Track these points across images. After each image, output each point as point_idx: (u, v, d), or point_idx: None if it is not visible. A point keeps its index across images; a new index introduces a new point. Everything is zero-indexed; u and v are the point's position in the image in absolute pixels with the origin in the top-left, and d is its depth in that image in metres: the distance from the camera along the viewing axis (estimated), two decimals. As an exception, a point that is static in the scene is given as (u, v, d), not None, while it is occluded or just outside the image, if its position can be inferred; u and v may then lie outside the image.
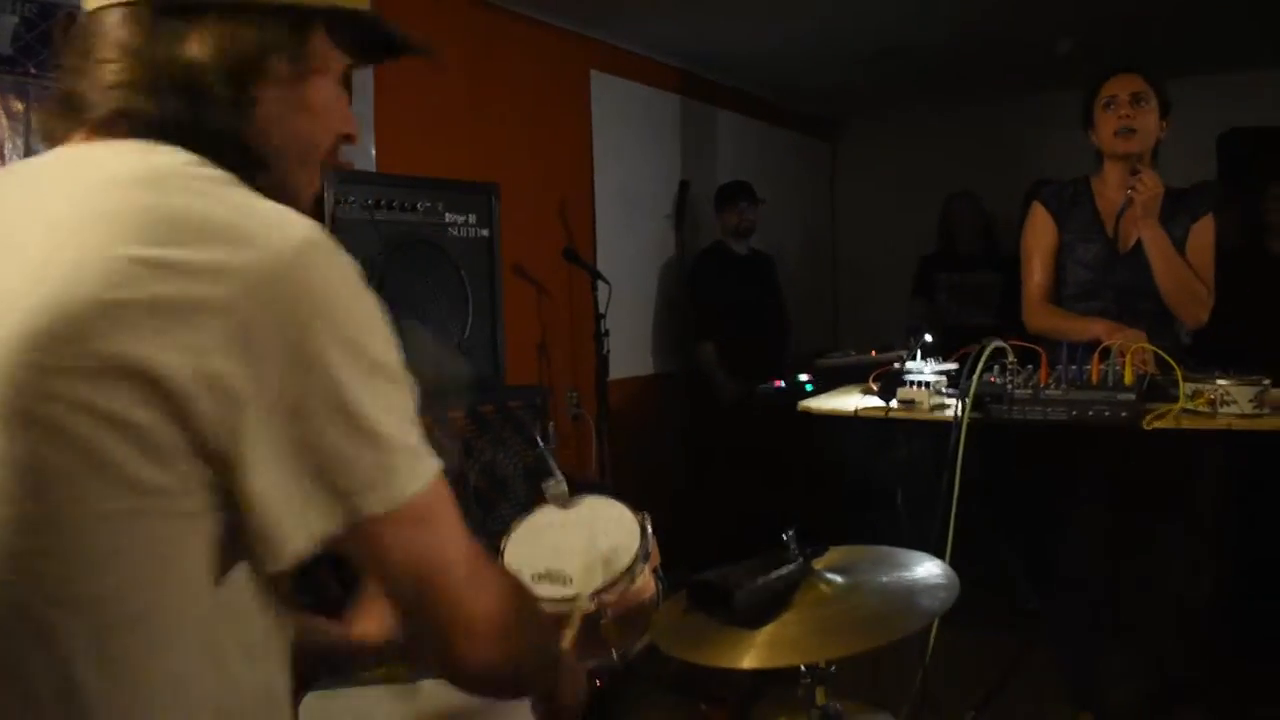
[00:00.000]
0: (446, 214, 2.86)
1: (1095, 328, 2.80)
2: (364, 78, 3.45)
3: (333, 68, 0.99)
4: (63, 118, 0.91)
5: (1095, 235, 2.94)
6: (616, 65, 4.95)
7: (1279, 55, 5.23)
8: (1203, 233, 2.90)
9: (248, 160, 0.89)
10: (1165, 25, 4.80)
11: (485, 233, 2.97)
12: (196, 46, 0.88)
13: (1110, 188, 2.94)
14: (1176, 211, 2.86)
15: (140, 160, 0.84)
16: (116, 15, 0.89)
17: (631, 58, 5.08)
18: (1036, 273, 3.03)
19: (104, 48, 0.88)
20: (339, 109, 1.01)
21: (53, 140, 0.92)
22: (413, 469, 0.87)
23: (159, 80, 0.87)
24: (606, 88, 4.87)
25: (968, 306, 5.33)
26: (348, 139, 1.05)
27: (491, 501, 2.77)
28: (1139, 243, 2.85)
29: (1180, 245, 2.85)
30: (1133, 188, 2.78)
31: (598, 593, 2.05)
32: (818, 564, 1.79)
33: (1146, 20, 4.73)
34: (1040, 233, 3.03)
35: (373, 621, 1.47)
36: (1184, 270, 2.82)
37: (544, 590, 2.08)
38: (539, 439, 2.34)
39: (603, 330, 4.22)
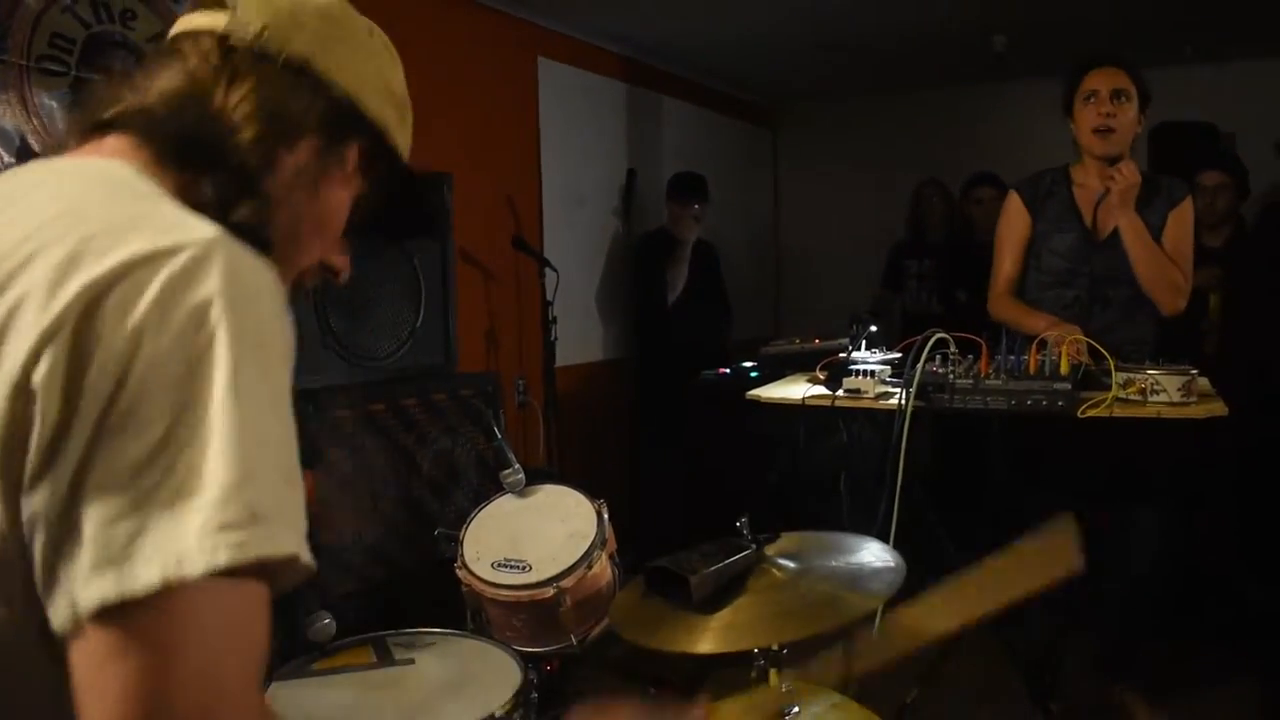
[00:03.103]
0: (400, 204, 2.86)
1: (1039, 323, 2.87)
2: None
3: (351, 189, 1.02)
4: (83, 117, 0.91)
5: (1071, 224, 2.99)
6: (563, 52, 4.96)
7: (1203, 53, 5.40)
8: (1181, 220, 2.95)
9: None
10: (1097, 25, 4.92)
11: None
12: (244, 89, 0.90)
13: (1090, 176, 3.00)
14: (1153, 199, 2.92)
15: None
16: (186, 42, 0.92)
17: (578, 45, 5.08)
18: (1005, 263, 3.09)
19: (160, 67, 0.91)
20: (337, 230, 1.03)
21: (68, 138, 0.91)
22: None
23: (188, 103, 0.88)
24: (553, 75, 4.88)
25: (933, 294, 5.39)
26: (330, 270, 1.06)
27: (446, 490, 2.80)
28: (1116, 231, 2.90)
29: (1157, 233, 2.91)
30: (1110, 177, 2.84)
31: (556, 579, 2.09)
32: (770, 550, 1.84)
33: (1078, 20, 4.86)
34: (1013, 223, 3.09)
35: None
36: (1161, 258, 2.88)
37: (504, 578, 2.12)
38: (496, 430, 2.36)
39: (550, 317, 4.24)
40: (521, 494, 2.35)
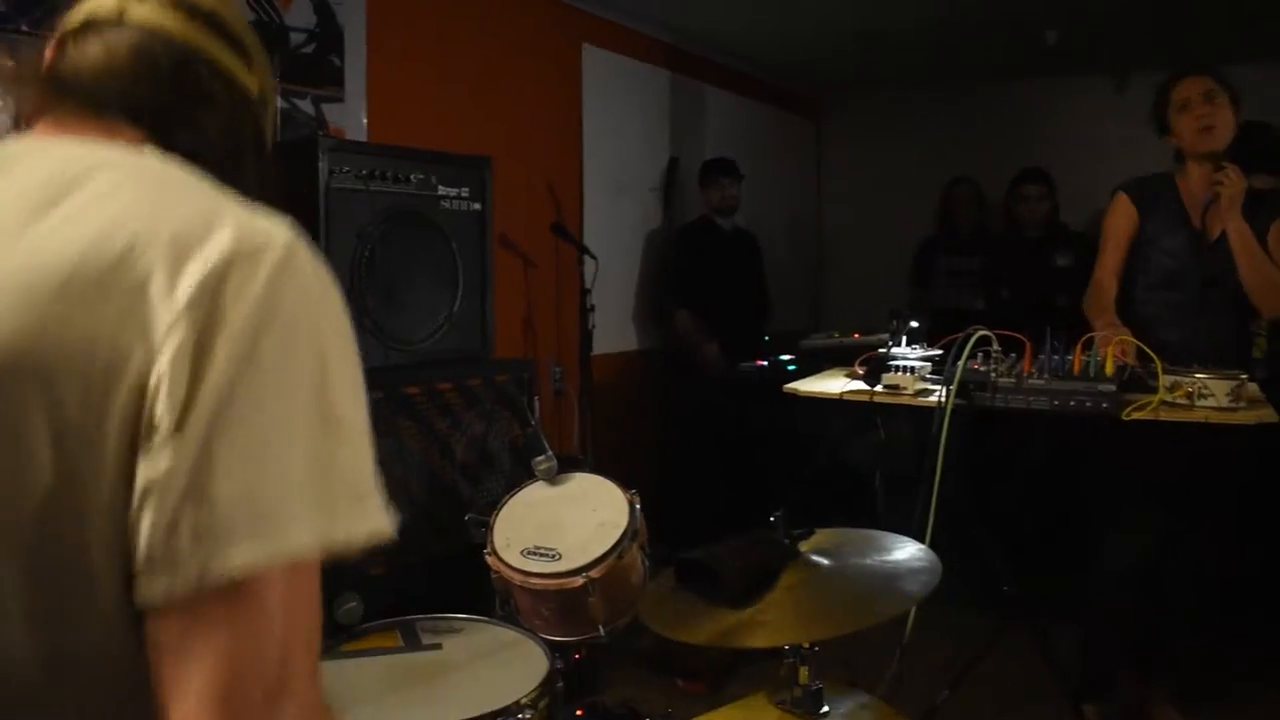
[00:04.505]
0: (439, 186, 2.85)
1: (1097, 322, 2.85)
2: (357, 44, 3.42)
3: None
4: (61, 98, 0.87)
5: (1181, 226, 2.97)
6: (608, 39, 4.93)
7: (1256, 51, 5.26)
8: None
9: None
10: (1149, 20, 4.82)
11: (478, 206, 2.96)
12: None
13: (1194, 183, 2.97)
14: (1257, 209, 2.90)
15: None
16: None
17: (623, 31, 5.05)
18: (1107, 260, 3.07)
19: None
20: None
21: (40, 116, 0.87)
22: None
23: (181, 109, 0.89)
24: (597, 61, 4.85)
25: (965, 291, 5.34)
26: None
27: (478, 475, 2.79)
28: (1223, 235, 2.89)
29: (1261, 241, 2.89)
30: (1219, 182, 2.83)
31: (586, 569, 2.08)
32: (804, 546, 1.82)
33: (1131, 14, 4.76)
34: (1119, 220, 3.07)
35: None
36: (1268, 264, 2.87)
37: (533, 565, 2.11)
38: (530, 417, 2.35)
39: (588, 305, 4.22)
40: (554, 482, 2.34)
